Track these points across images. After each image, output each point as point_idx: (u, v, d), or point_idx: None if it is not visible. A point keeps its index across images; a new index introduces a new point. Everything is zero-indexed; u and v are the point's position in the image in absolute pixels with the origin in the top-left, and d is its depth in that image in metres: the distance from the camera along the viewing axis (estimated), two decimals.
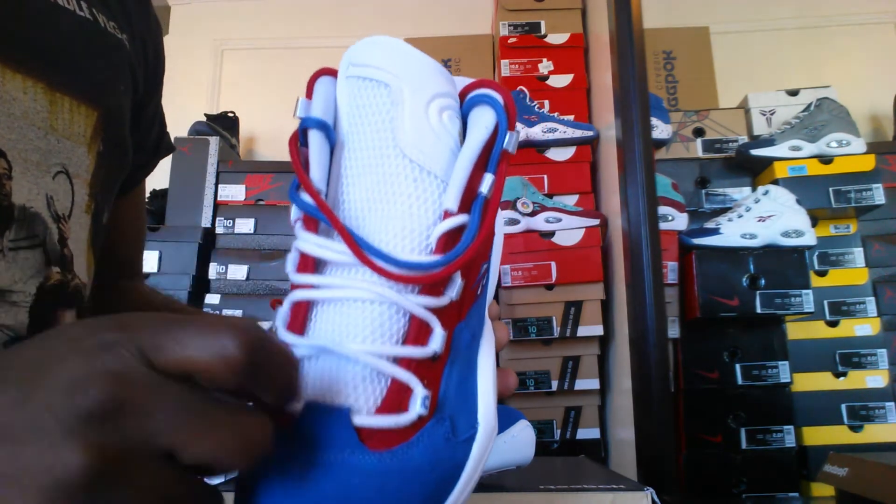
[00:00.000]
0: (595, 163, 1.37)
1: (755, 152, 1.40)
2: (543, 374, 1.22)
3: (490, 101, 0.27)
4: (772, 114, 1.52)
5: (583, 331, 1.21)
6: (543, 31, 1.49)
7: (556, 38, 1.48)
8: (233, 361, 0.20)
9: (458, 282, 0.27)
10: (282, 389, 0.23)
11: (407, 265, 0.25)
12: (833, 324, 1.34)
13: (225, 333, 0.20)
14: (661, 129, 1.40)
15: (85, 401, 0.19)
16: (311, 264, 0.27)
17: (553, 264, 1.22)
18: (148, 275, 1.50)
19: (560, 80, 1.46)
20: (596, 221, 1.24)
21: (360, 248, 0.25)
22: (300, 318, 0.26)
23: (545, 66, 1.47)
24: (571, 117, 1.40)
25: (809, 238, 1.25)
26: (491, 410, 0.28)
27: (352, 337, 0.25)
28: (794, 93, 1.53)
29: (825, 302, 1.34)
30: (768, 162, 1.39)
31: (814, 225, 1.27)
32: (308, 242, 0.26)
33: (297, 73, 2.21)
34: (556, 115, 1.39)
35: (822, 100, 1.43)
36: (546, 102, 1.44)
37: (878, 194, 1.33)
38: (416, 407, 0.25)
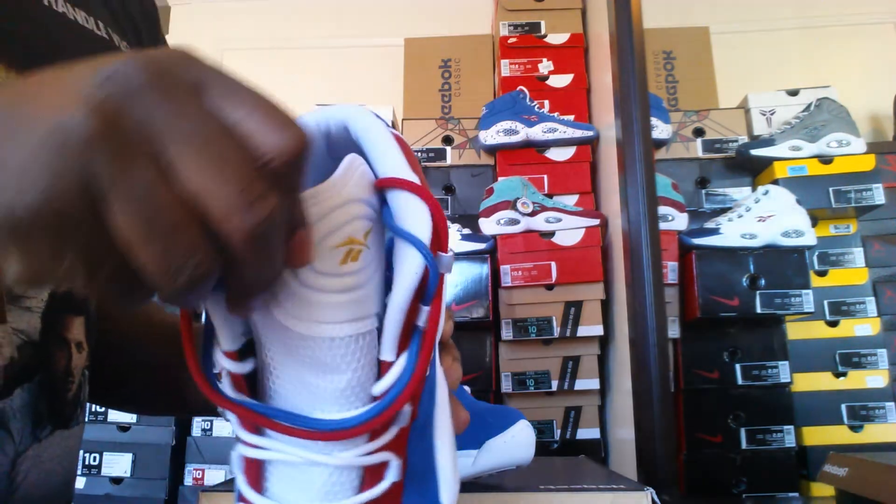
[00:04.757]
0: (595, 163, 1.37)
1: (755, 152, 1.40)
2: (543, 374, 1.22)
3: (412, 240, 0.24)
4: (772, 114, 1.52)
5: (583, 331, 1.21)
6: (543, 31, 1.49)
7: (556, 38, 1.48)
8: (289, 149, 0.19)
9: (406, 412, 0.26)
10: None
11: (340, 424, 0.24)
12: (833, 324, 1.34)
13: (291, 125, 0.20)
14: (661, 129, 1.40)
15: (109, 72, 0.18)
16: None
17: (553, 264, 1.22)
18: None
19: (560, 80, 1.46)
20: (596, 221, 1.24)
21: (284, 424, 0.24)
22: (254, 474, 0.26)
23: (545, 66, 1.47)
24: (571, 117, 1.40)
25: (809, 238, 1.24)
26: (452, 488, 0.28)
27: (308, 498, 0.25)
28: (794, 93, 1.53)
29: (825, 302, 1.34)
30: (768, 162, 1.39)
31: (814, 225, 1.27)
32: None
33: (297, 73, 2.21)
34: (556, 115, 1.40)
35: (822, 100, 1.43)
36: (546, 102, 1.44)
37: (878, 194, 1.33)
38: None
